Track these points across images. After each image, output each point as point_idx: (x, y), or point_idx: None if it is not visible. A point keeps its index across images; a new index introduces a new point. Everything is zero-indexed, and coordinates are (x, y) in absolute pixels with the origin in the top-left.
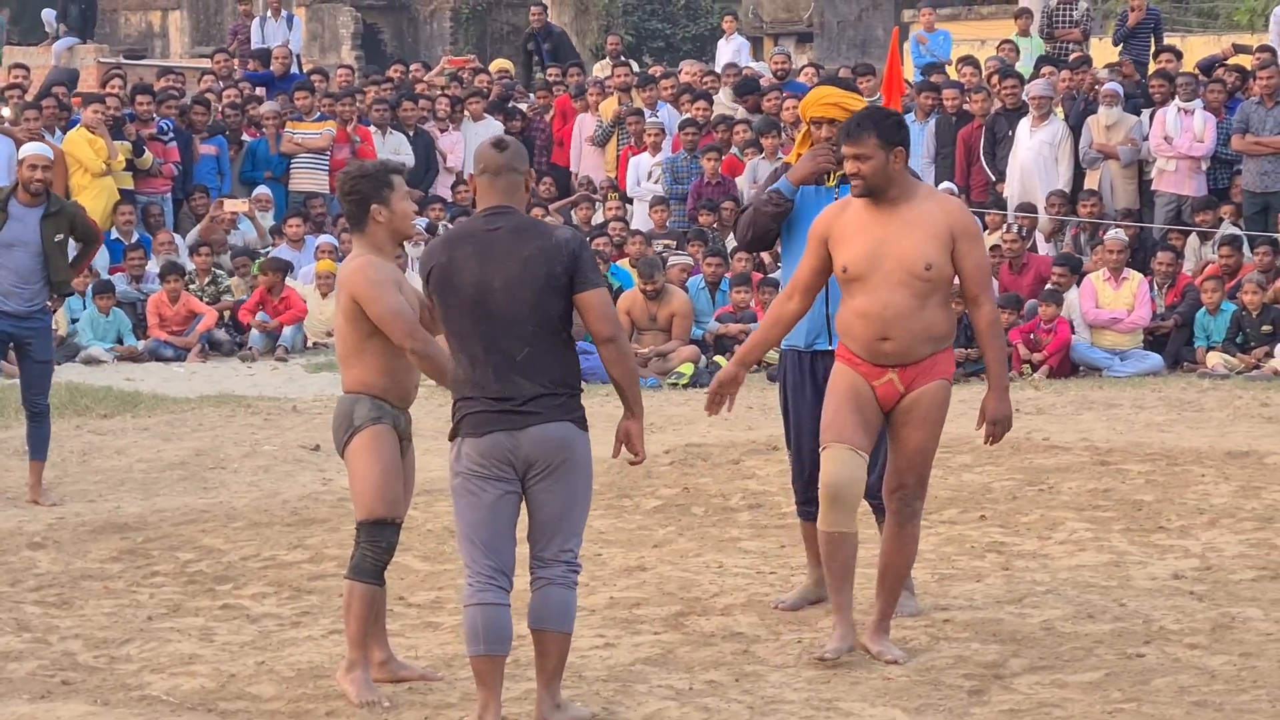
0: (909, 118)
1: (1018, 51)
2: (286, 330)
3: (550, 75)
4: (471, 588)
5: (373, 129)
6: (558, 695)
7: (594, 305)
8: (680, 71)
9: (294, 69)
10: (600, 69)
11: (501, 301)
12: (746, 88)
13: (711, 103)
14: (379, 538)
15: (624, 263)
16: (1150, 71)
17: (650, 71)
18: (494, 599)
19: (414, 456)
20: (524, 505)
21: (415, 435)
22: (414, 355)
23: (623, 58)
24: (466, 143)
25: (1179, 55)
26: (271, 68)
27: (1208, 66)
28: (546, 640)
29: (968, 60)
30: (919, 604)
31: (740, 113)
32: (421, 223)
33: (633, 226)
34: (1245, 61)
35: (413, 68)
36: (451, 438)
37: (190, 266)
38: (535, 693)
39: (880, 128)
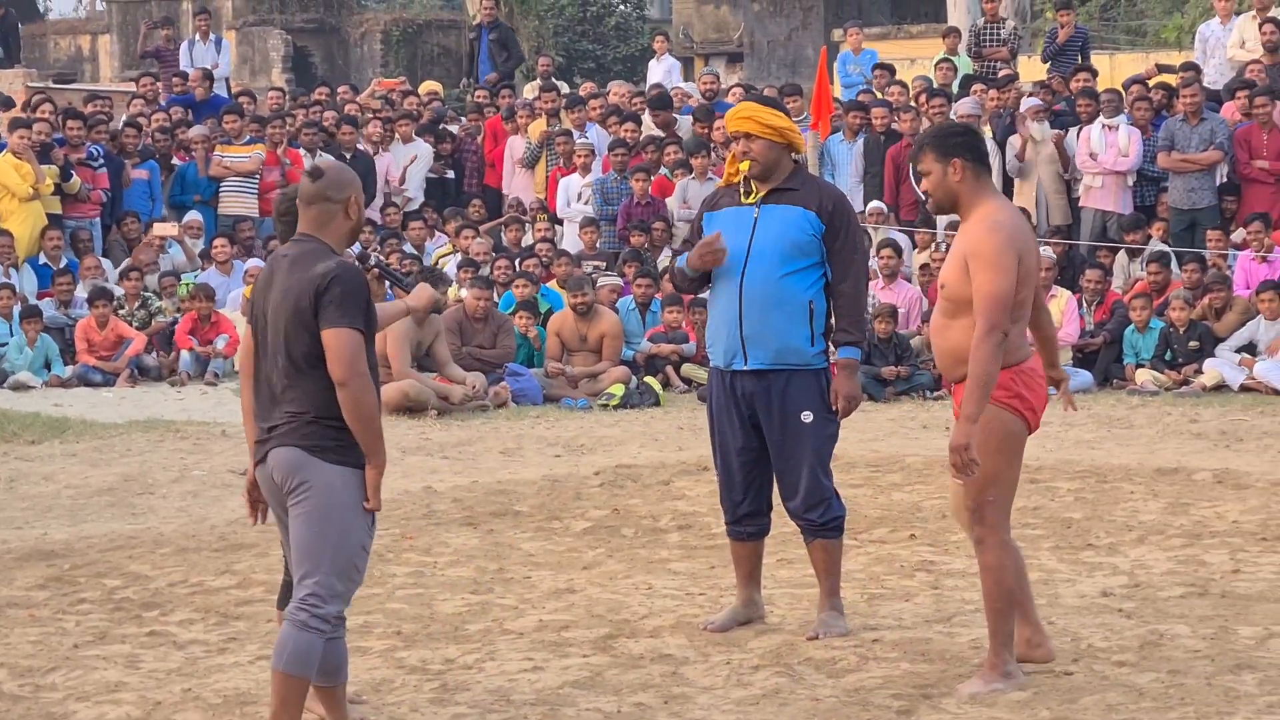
0: (836, 138)
1: (955, 70)
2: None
3: (479, 97)
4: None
5: (303, 152)
6: None
7: (330, 346)
8: (609, 93)
9: (223, 92)
10: (530, 90)
11: (270, 333)
12: (660, 103)
13: (640, 124)
14: None
15: (553, 284)
16: (1074, 90)
17: (579, 92)
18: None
19: None
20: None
21: None
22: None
23: (553, 79)
24: (397, 164)
25: (1095, 74)
26: (193, 92)
27: (1129, 86)
28: (273, 681)
29: (895, 80)
30: (847, 624)
31: (651, 128)
32: (353, 249)
33: (563, 248)
34: (1170, 80)
35: (340, 90)
36: None
37: (119, 292)
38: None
39: (934, 141)
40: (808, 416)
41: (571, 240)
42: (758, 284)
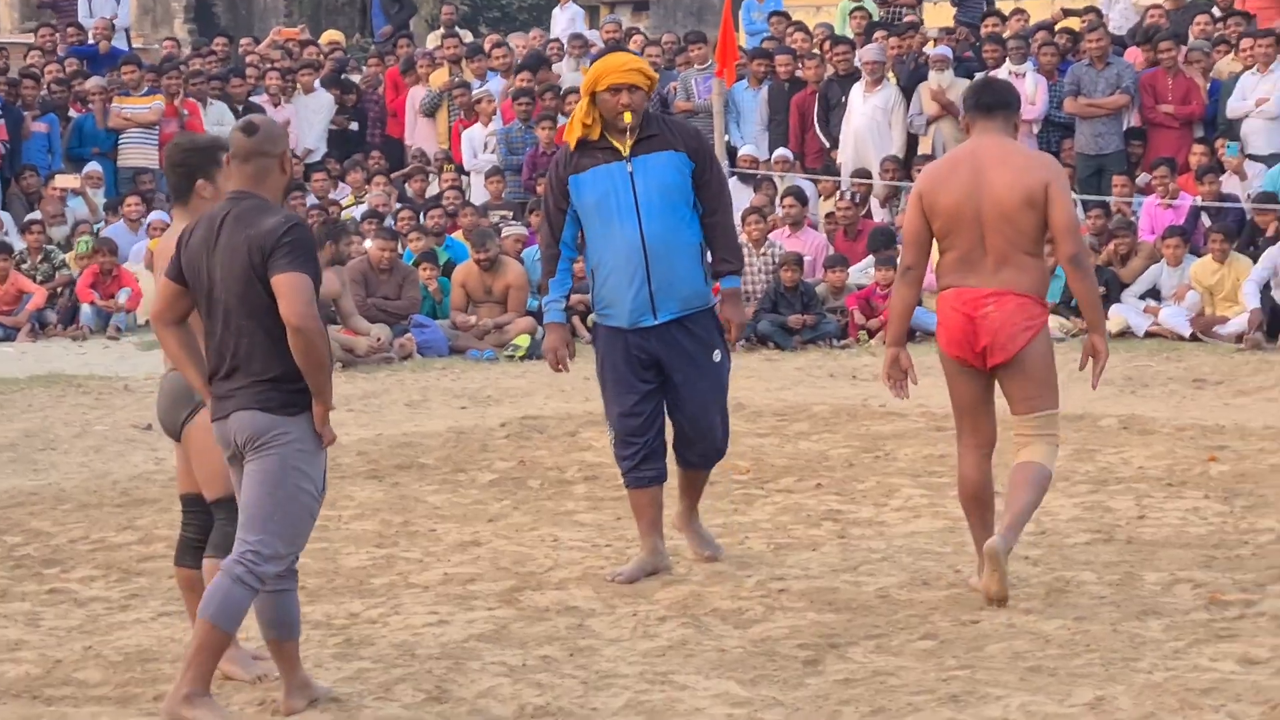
0: (740, 85)
1: (871, 16)
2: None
3: (380, 46)
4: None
5: (197, 101)
6: (184, 686)
7: (281, 290)
8: (514, 45)
9: (123, 44)
10: (433, 39)
11: (221, 290)
12: (533, 62)
13: (535, 73)
14: (223, 515)
15: (458, 235)
16: (982, 36)
17: (481, 42)
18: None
19: None
20: None
21: None
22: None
23: (457, 29)
24: (299, 116)
25: (1004, 18)
26: (96, 43)
27: (1034, 32)
28: (197, 627)
29: (794, 25)
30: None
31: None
32: None
33: (471, 199)
34: (1075, 24)
35: (241, 42)
36: None
37: (20, 245)
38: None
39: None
40: (717, 355)
41: (478, 191)
42: (658, 236)
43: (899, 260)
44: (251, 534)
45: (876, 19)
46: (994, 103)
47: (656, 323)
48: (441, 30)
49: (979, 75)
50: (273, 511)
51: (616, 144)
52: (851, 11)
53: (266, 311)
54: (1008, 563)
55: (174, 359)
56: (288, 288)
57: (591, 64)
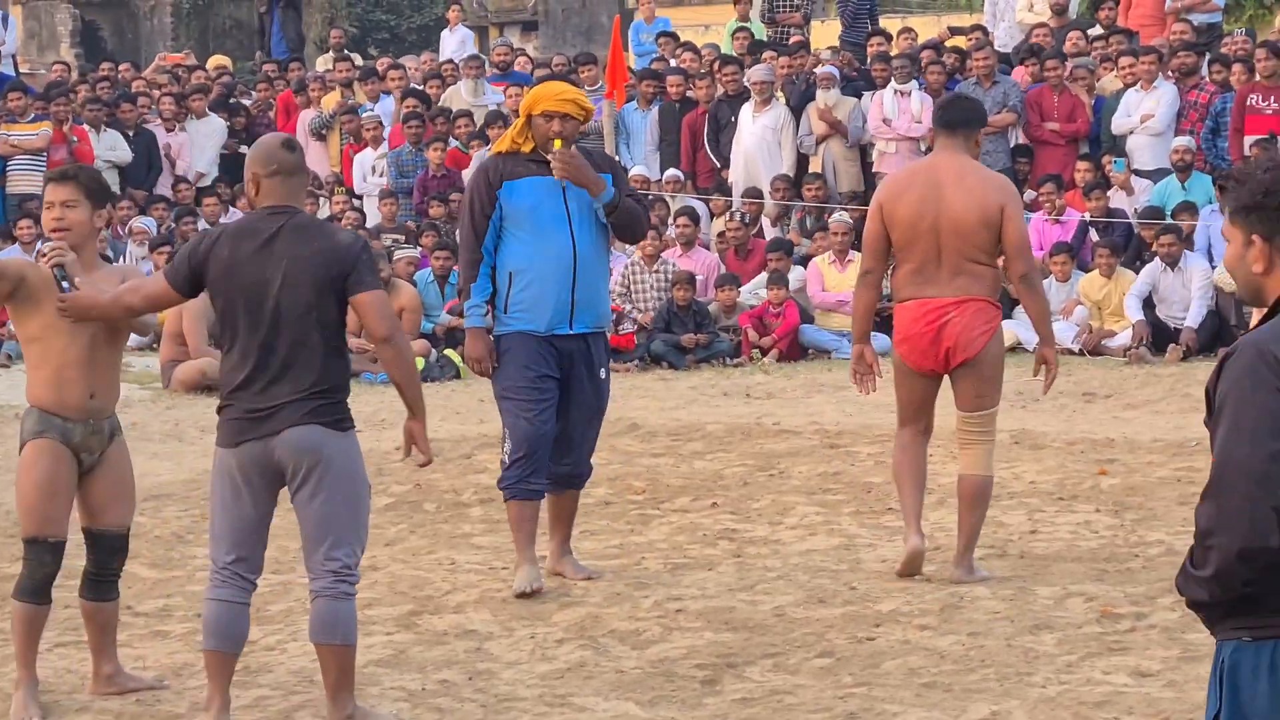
0: (630, 106)
1: (754, 36)
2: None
3: (270, 70)
4: (212, 582)
5: (88, 128)
6: (347, 706)
7: (373, 305)
8: (408, 68)
9: (9, 70)
10: (323, 63)
11: (280, 301)
12: (415, 93)
13: (425, 98)
14: (32, 556)
15: None
16: (870, 55)
17: (374, 65)
18: (229, 595)
19: (119, 465)
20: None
21: (143, 439)
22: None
23: (346, 51)
24: (193, 141)
25: (889, 38)
26: None
27: (921, 50)
28: (322, 654)
29: (682, 45)
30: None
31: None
32: (149, 223)
33: (364, 223)
34: (961, 43)
35: (122, 67)
36: (217, 442)
37: None
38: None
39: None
40: (603, 374)
41: (370, 214)
42: (586, 250)
43: (860, 265)
44: (339, 549)
45: (763, 39)
46: (956, 120)
47: (570, 332)
48: (331, 53)
49: (949, 91)
50: (351, 524)
51: (548, 161)
52: (735, 31)
53: (330, 324)
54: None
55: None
56: (376, 303)
57: (527, 87)
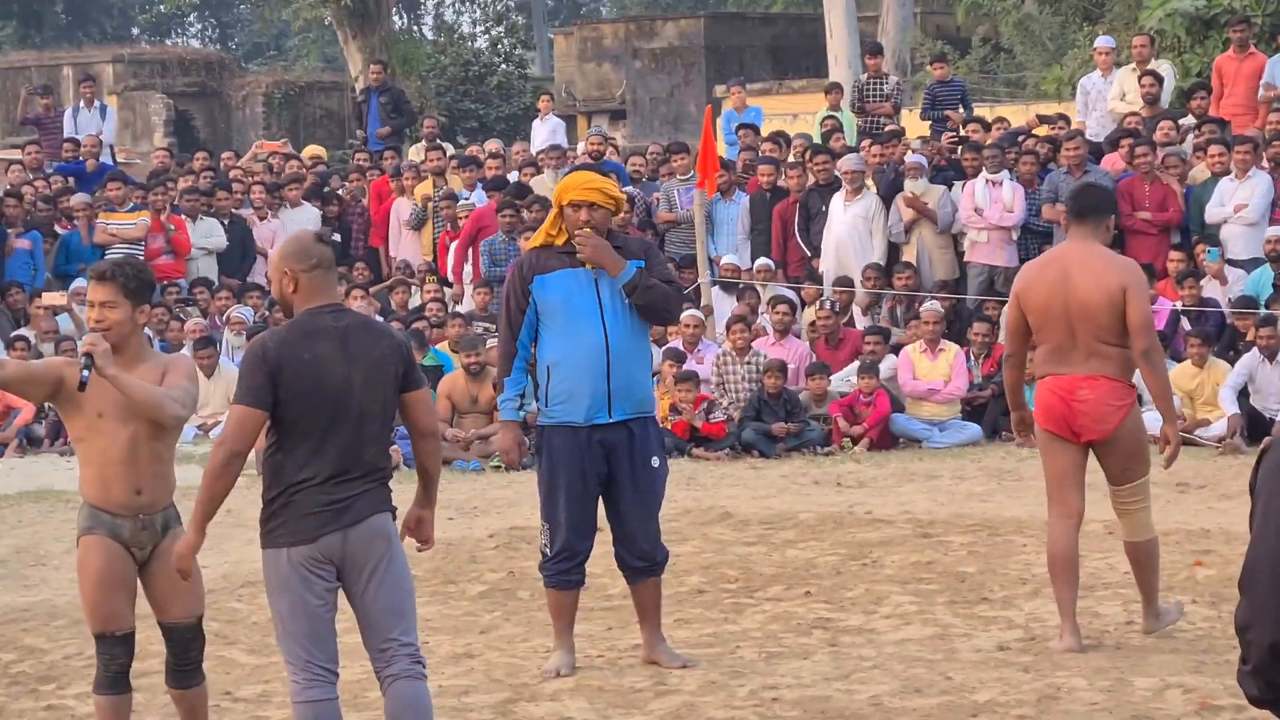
0: (718, 197)
1: (840, 125)
2: None
3: (362, 160)
4: (299, 684)
5: (184, 217)
6: None
7: (426, 401)
8: (510, 154)
9: (106, 159)
10: (416, 153)
11: (361, 398)
12: (497, 184)
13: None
14: (102, 650)
15: (443, 346)
16: (960, 142)
17: (470, 152)
18: (322, 694)
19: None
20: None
21: (239, 525)
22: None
23: (438, 140)
24: (285, 229)
25: (987, 126)
26: (83, 160)
27: (1012, 138)
28: None
29: (770, 137)
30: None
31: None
32: (246, 312)
33: (455, 310)
34: (1044, 131)
35: (223, 156)
36: (274, 543)
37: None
38: None
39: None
40: (655, 461)
41: (463, 302)
42: (620, 340)
43: (1005, 349)
44: (408, 634)
45: (854, 128)
46: (1086, 208)
47: (610, 420)
48: (424, 143)
49: (1079, 181)
50: (413, 606)
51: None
52: (823, 119)
53: (391, 416)
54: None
55: (220, 492)
56: (427, 398)
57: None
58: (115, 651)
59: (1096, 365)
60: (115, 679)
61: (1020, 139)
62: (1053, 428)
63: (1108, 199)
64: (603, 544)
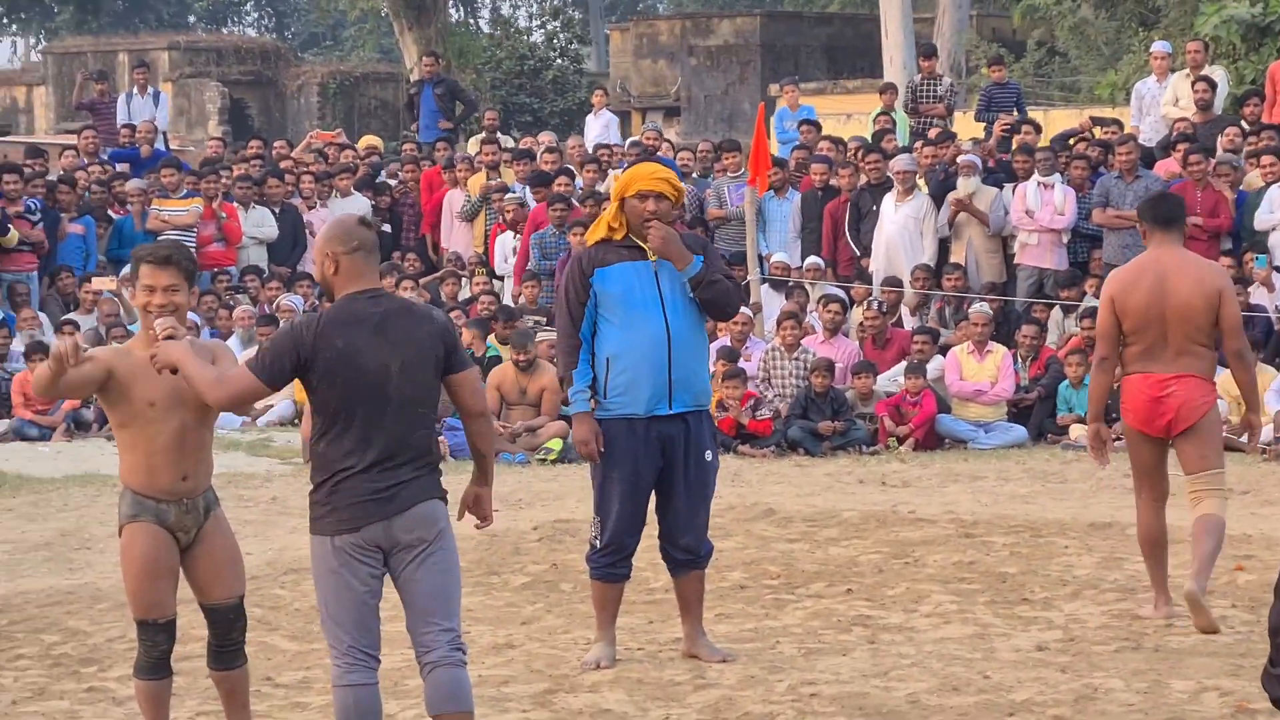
0: (769, 194)
1: (894, 124)
2: None
3: (412, 150)
4: (340, 668)
5: (237, 205)
6: None
7: (472, 382)
8: (566, 147)
9: (160, 145)
10: (473, 145)
11: (400, 384)
12: (539, 180)
13: (573, 179)
14: (144, 636)
15: (491, 338)
16: (1013, 146)
17: (524, 145)
18: (362, 679)
19: (220, 539)
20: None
21: (283, 513)
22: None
23: (497, 133)
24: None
25: (1039, 129)
26: (137, 146)
27: (1064, 140)
28: None
29: (823, 135)
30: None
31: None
32: (296, 301)
33: (504, 303)
34: (1099, 133)
35: (276, 144)
36: (321, 530)
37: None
38: None
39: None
40: (709, 455)
41: (508, 295)
42: (680, 331)
43: (1095, 353)
44: (450, 619)
45: (907, 129)
46: (1172, 216)
47: (670, 412)
48: (482, 135)
49: (1156, 190)
50: (458, 593)
51: (641, 245)
52: (875, 117)
53: (435, 400)
54: (1207, 601)
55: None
56: (474, 380)
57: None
58: (157, 638)
59: (1185, 364)
60: (156, 664)
61: (1072, 141)
62: (1139, 426)
63: (1184, 206)
64: (647, 537)
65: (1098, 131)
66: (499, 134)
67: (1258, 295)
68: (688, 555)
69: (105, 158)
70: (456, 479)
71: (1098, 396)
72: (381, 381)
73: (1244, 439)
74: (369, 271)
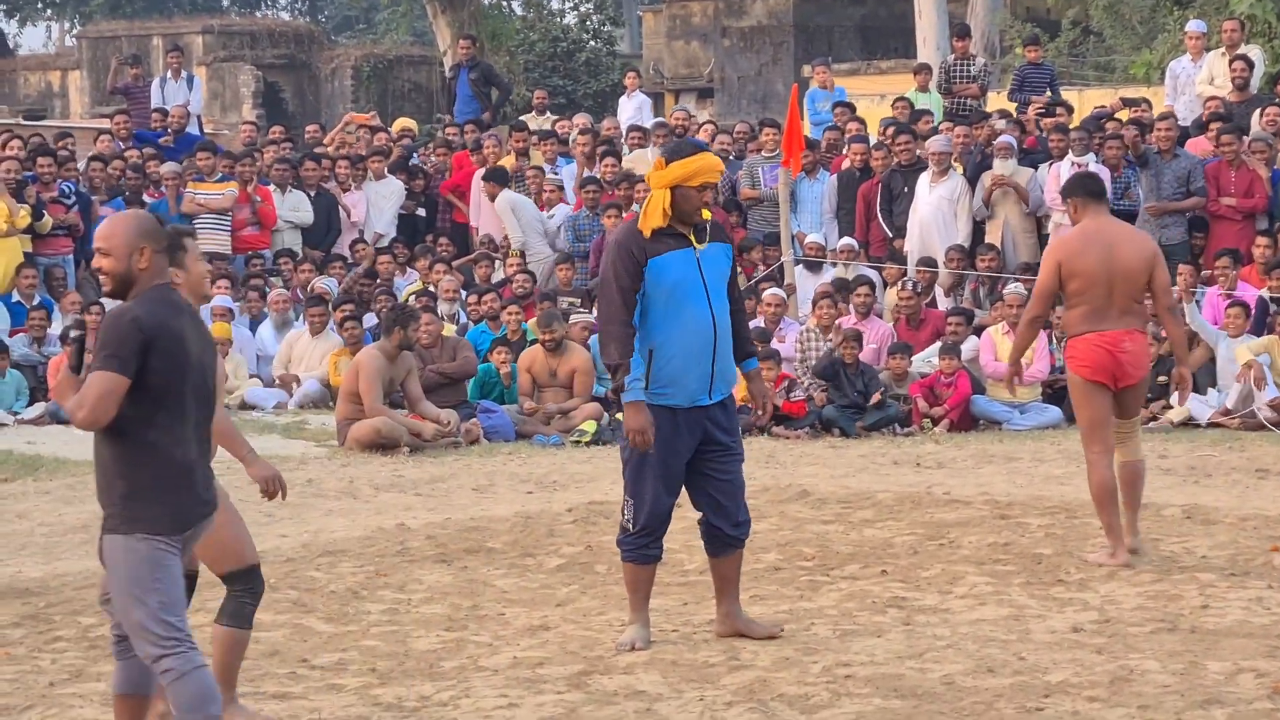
0: (801, 175)
1: (911, 108)
2: None
3: (450, 134)
4: (184, 655)
5: (273, 188)
6: None
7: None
8: (599, 129)
9: (194, 129)
10: (532, 121)
11: (211, 384)
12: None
13: (620, 159)
14: (258, 582)
15: (531, 322)
16: (1047, 126)
17: (559, 127)
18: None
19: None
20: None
21: (319, 495)
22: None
23: (547, 111)
24: (369, 201)
25: (1070, 110)
26: (168, 128)
27: (1096, 121)
28: None
29: (854, 116)
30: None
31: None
32: (330, 283)
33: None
34: (1125, 115)
35: (308, 128)
36: (142, 529)
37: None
38: None
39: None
40: (738, 432)
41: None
42: (722, 320)
43: (1027, 310)
44: None
45: (941, 109)
46: (1099, 190)
47: (710, 402)
48: (534, 114)
49: (1083, 169)
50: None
51: (683, 233)
52: (894, 102)
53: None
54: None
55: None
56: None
57: (669, 155)
58: (252, 583)
59: (1130, 321)
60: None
61: (1103, 121)
62: (1099, 377)
63: (1103, 182)
64: (679, 519)
65: (1125, 113)
66: (546, 114)
67: None
68: (739, 531)
69: (130, 145)
70: (489, 461)
71: (1024, 345)
72: (203, 377)
73: (1175, 394)
74: (166, 271)
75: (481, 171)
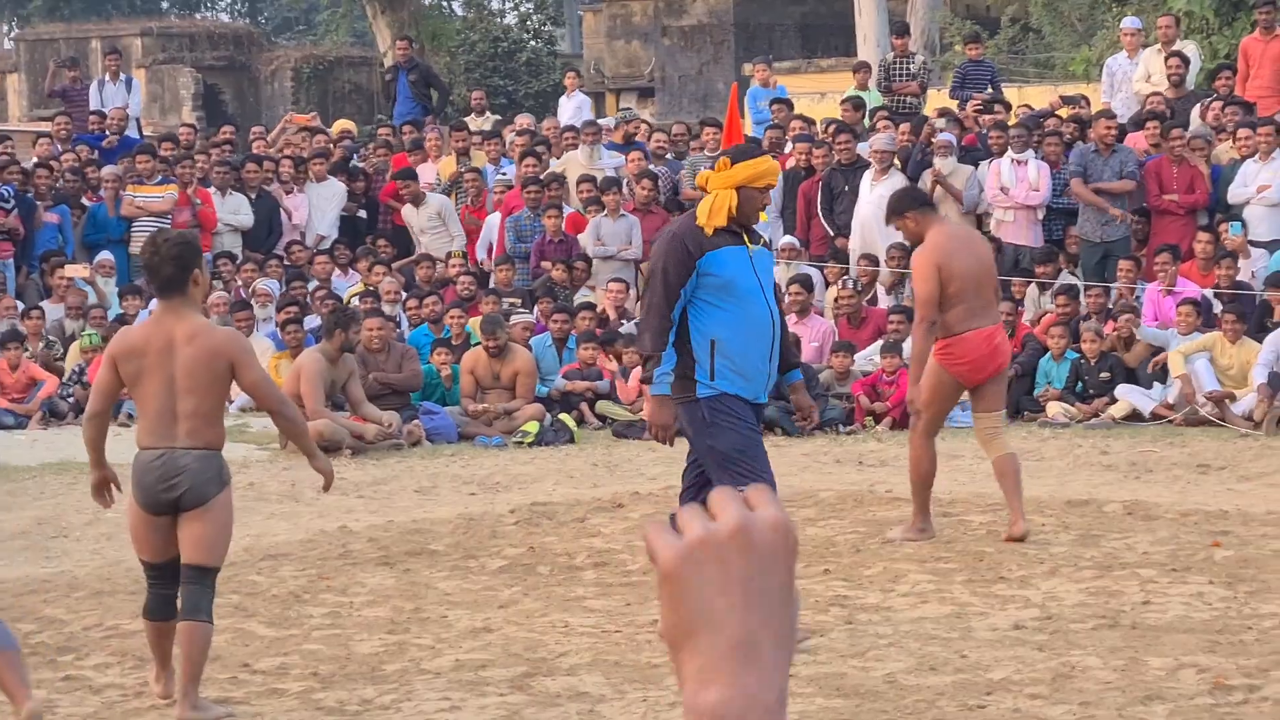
0: None
1: (863, 106)
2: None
3: (387, 135)
4: None
5: (213, 190)
6: None
7: None
8: (538, 129)
9: (133, 133)
10: (473, 122)
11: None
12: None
13: (540, 159)
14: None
15: (475, 322)
16: (986, 124)
17: (499, 128)
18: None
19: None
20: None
21: (260, 499)
22: (282, 418)
23: (486, 111)
24: (311, 204)
25: (1008, 107)
26: (107, 130)
27: (1036, 119)
28: None
29: (795, 115)
30: None
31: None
32: (272, 284)
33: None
34: (1065, 112)
35: (254, 130)
36: None
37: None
38: None
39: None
40: None
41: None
42: (779, 321)
43: (920, 319)
44: None
45: (879, 106)
46: (929, 199)
47: (764, 402)
48: (475, 115)
49: (903, 186)
50: None
51: (738, 232)
52: (842, 101)
53: None
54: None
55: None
56: None
57: (735, 156)
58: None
59: (996, 315)
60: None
61: (1043, 120)
62: (977, 376)
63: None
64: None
65: (1064, 111)
66: (485, 114)
67: (1244, 273)
68: None
69: (71, 146)
70: (432, 463)
71: (924, 356)
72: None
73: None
74: None
75: (425, 166)
